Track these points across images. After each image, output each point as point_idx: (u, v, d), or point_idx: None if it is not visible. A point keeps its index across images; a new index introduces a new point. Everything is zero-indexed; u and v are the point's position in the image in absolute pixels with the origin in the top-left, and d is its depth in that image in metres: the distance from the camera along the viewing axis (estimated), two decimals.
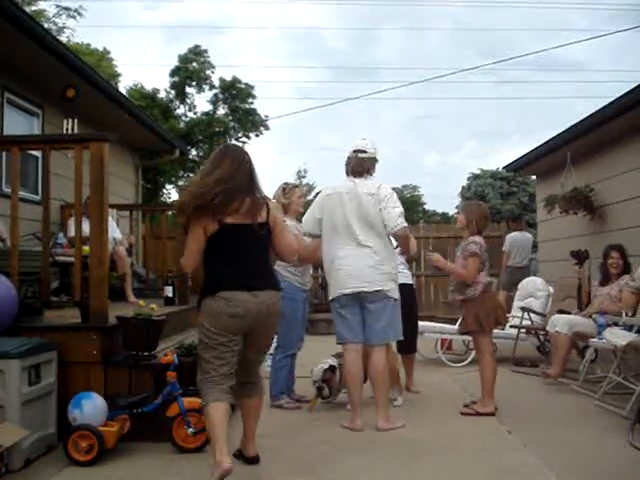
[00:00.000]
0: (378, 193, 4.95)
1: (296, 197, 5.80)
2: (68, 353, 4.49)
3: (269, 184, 5.76)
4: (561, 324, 6.66)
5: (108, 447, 4.11)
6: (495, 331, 8.31)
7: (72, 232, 5.92)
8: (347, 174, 5.15)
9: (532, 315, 7.98)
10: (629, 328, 6.14)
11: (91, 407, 4.18)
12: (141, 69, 40.76)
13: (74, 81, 7.92)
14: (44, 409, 4.26)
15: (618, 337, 5.86)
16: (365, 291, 4.90)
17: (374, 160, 5.19)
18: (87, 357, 4.52)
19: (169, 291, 6.62)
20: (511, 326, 8.35)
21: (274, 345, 5.91)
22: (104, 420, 4.20)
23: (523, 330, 7.98)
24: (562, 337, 6.62)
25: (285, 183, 5.90)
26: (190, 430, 4.24)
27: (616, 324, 6.23)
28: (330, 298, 5.13)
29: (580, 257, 7.53)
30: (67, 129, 8.34)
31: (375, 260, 4.91)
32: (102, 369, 4.54)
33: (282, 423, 5.20)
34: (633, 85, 7.26)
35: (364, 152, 5.13)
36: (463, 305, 5.58)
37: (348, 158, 5.16)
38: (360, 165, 5.10)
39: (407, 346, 6.18)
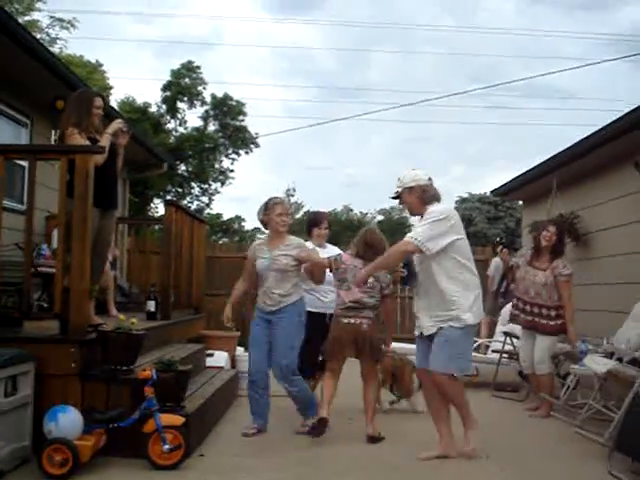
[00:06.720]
0: None
1: (275, 214, 5.49)
2: (46, 365, 4.44)
3: (258, 202, 5.71)
4: (540, 363, 6.58)
5: (83, 461, 4.06)
6: (477, 355, 8.39)
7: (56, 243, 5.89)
8: (436, 201, 4.90)
9: (514, 340, 7.97)
10: (610, 355, 6.17)
11: (67, 420, 4.14)
12: (133, 82, 40.94)
13: (64, 93, 7.90)
14: (19, 421, 4.20)
15: (598, 364, 5.88)
16: None
17: None
18: (65, 370, 4.47)
19: (151, 306, 6.58)
20: (493, 351, 8.35)
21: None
22: (80, 434, 4.16)
23: (505, 355, 7.98)
24: (546, 378, 6.62)
25: (270, 198, 5.64)
26: (166, 447, 4.20)
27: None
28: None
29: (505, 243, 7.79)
30: (55, 140, 8.31)
31: None
32: (80, 382, 4.50)
33: (259, 443, 5.18)
34: (620, 114, 7.34)
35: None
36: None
37: (429, 186, 4.92)
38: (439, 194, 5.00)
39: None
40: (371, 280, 5.32)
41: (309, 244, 6.23)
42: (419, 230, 4.71)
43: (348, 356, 5.47)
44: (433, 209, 4.78)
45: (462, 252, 4.77)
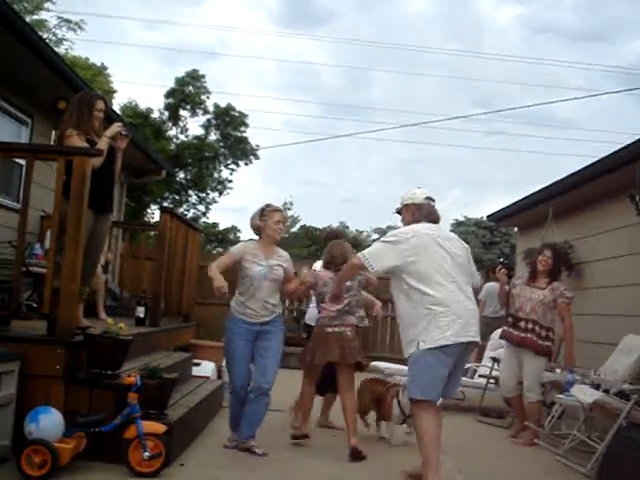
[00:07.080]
0: (463, 245, 4.83)
1: (273, 221, 5.35)
2: (31, 365, 4.41)
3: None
4: (529, 390, 6.54)
5: (62, 464, 4.02)
6: (464, 379, 8.36)
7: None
8: (426, 221, 4.74)
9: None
10: (597, 387, 6.16)
11: (48, 422, 4.11)
12: (137, 87, 41.17)
13: (67, 94, 7.92)
14: (1, 420, 4.17)
15: (586, 395, 5.87)
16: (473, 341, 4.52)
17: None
18: (49, 371, 4.44)
19: (141, 311, 6.54)
20: (480, 375, 8.33)
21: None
22: (60, 436, 4.13)
23: (492, 380, 7.96)
24: (534, 406, 6.59)
25: (267, 204, 5.48)
26: (146, 454, 4.18)
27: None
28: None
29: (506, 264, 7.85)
30: (54, 140, 8.33)
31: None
32: (63, 384, 4.46)
33: (239, 455, 5.16)
34: (619, 146, 7.37)
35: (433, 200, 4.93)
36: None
37: (424, 206, 4.82)
38: (436, 214, 4.87)
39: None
40: (348, 283, 5.49)
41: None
42: (370, 248, 4.75)
43: (329, 359, 5.48)
44: (396, 230, 4.81)
45: (421, 275, 4.45)
